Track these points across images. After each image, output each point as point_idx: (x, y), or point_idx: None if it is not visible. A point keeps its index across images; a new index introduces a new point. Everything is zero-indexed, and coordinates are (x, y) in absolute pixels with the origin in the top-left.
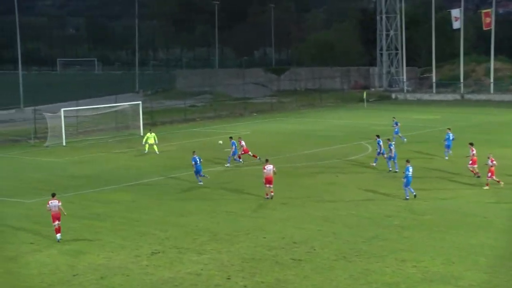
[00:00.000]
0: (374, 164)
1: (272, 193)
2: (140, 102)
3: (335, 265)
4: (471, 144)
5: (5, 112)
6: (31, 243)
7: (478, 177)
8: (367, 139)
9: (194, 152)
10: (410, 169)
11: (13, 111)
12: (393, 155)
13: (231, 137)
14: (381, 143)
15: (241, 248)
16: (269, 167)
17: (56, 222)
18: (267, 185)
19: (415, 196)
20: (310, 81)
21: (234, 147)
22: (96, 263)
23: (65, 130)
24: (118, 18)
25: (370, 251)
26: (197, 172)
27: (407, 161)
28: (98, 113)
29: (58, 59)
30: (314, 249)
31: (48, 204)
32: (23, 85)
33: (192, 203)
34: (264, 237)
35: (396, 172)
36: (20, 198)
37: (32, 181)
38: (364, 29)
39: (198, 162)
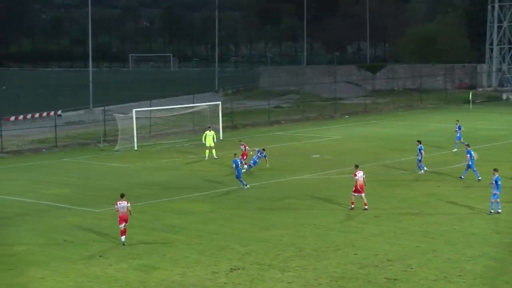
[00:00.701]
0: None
1: (366, 206)
2: (219, 102)
3: (434, 286)
4: None
5: (74, 113)
6: (100, 256)
7: None
8: (472, 145)
9: (235, 154)
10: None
11: (82, 111)
12: (470, 162)
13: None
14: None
15: (329, 266)
16: (360, 174)
17: (123, 224)
18: (356, 194)
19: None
20: (409, 80)
21: None
22: (170, 279)
23: (136, 133)
24: (196, 9)
25: (475, 271)
26: (238, 176)
27: (495, 170)
28: (174, 114)
29: (130, 55)
30: (411, 268)
31: (116, 205)
32: (93, 83)
33: (275, 215)
34: (355, 254)
35: (479, 180)
36: (89, 207)
37: (101, 188)
38: (471, 21)
39: (240, 166)
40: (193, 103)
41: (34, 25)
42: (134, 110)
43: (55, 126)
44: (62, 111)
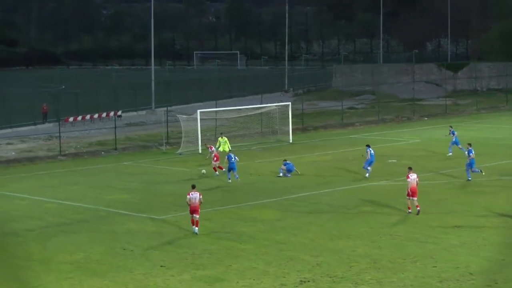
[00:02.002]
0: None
1: (418, 208)
2: (289, 103)
3: None
4: None
5: (135, 113)
6: (161, 266)
7: None
8: None
9: (230, 150)
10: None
11: (143, 112)
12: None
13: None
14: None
15: (406, 279)
16: (413, 176)
17: (194, 215)
18: (410, 198)
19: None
20: (494, 80)
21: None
22: None
23: (201, 135)
24: (265, 4)
25: None
26: (231, 169)
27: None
28: (241, 115)
29: (195, 52)
30: (496, 283)
31: (188, 195)
32: (155, 82)
33: (349, 224)
34: (434, 266)
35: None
36: (150, 214)
37: (163, 194)
38: None
39: (233, 160)
40: (261, 104)
41: (94, 21)
42: (198, 111)
43: (115, 127)
44: (123, 112)
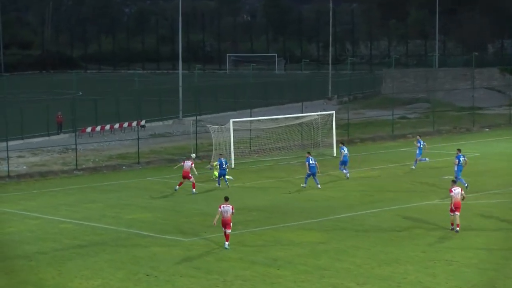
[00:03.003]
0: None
1: (458, 228)
2: (333, 112)
3: None
4: None
5: (160, 123)
6: None
7: None
8: None
9: (221, 154)
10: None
11: (169, 122)
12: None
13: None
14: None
15: None
16: (457, 190)
17: (226, 230)
18: (454, 213)
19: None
20: None
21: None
22: None
23: (234, 148)
24: (307, 1)
25: None
26: (221, 175)
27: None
28: (279, 125)
29: (227, 55)
30: None
31: (220, 207)
32: (183, 88)
33: (399, 248)
34: None
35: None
36: (177, 236)
37: (191, 213)
38: None
39: (224, 166)
40: (302, 113)
41: (115, 21)
42: (231, 121)
43: (138, 139)
44: (146, 122)
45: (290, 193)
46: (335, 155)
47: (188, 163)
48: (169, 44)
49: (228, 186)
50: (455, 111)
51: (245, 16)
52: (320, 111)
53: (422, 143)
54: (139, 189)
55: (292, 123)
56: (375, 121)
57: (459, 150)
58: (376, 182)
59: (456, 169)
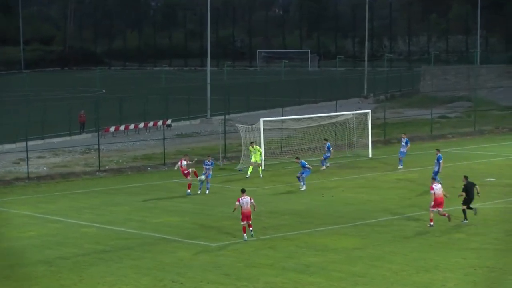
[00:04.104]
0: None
1: (447, 214)
2: (369, 110)
3: None
4: None
5: (187, 123)
6: None
7: None
8: None
9: (209, 156)
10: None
11: (197, 121)
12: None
13: None
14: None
15: None
16: (438, 187)
17: (245, 222)
18: (436, 209)
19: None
20: None
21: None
22: None
23: (265, 149)
24: None
25: None
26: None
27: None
28: (311, 125)
29: (258, 51)
30: None
31: (238, 201)
32: (212, 86)
33: (438, 254)
34: None
35: None
36: (204, 240)
37: (219, 217)
38: None
39: (207, 165)
40: (336, 112)
41: (141, 15)
42: (261, 120)
43: (164, 139)
44: (173, 121)
45: (323, 196)
46: (370, 156)
47: (184, 162)
48: (198, 40)
49: (207, 193)
50: (498, 110)
51: (277, 10)
52: (355, 110)
53: (406, 141)
54: (165, 192)
55: (325, 122)
56: (414, 120)
57: (438, 150)
58: (414, 185)
59: (435, 169)
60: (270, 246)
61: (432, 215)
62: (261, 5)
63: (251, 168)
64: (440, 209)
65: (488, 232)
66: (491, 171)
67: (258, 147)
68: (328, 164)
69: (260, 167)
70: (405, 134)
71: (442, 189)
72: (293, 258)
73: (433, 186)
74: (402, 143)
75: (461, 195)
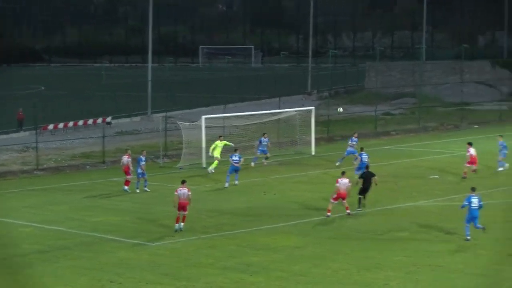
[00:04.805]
0: None
1: (348, 210)
2: (313, 107)
3: None
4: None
5: (127, 120)
6: None
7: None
8: None
9: (143, 151)
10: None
11: (137, 118)
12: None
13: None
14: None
15: None
16: (344, 181)
17: (181, 212)
18: (339, 201)
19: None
20: None
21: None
22: None
23: (206, 147)
24: None
25: None
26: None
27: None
28: (254, 122)
29: (201, 47)
30: None
31: (177, 192)
32: (153, 83)
33: (380, 252)
34: None
35: None
36: (144, 240)
37: (159, 216)
38: None
39: (142, 162)
40: (279, 109)
41: (82, 11)
42: (203, 117)
43: (103, 136)
44: (113, 118)
45: (265, 194)
46: (313, 153)
47: (125, 158)
48: (139, 36)
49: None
50: (443, 107)
51: (220, 6)
52: (299, 107)
53: (355, 141)
54: (105, 190)
55: (268, 119)
56: (358, 117)
57: (362, 148)
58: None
59: (359, 166)
60: (211, 245)
61: (331, 206)
62: (204, 1)
63: (216, 162)
64: (344, 201)
65: (430, 230)
66: (435, 168)
67: (226, 142)
68: (265, 162)
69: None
70: (356, 134)
71: (348, 185)
72: (234, 257)
73: (339, 180)
74: (353, 142)
75: (357, 183)
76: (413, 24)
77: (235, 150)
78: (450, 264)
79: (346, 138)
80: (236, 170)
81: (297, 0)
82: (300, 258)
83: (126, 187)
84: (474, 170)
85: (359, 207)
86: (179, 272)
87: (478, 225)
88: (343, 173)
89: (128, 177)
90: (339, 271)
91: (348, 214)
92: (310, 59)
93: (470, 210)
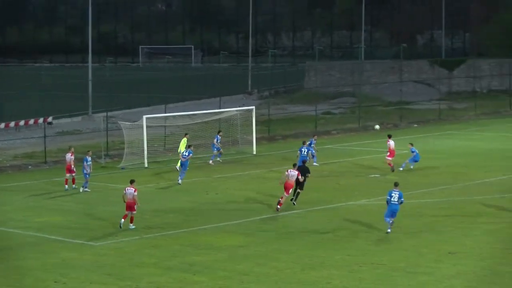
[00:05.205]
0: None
1: (280, 206)
2: (253, 107)
3: None
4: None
5: (68, 120)
6: None
7: (393, 171)
8: None
9: (88, 151)
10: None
11: (79, 118)
12: None
13: None
14: None
15: None
16: (293, 173)
17: (128, 212)
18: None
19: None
20: (496, 79)
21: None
22: None
23: (147, 146)
24: None
25: None
26: (88, 175)
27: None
28: (195, 122)
29: (141, 47)
30: None
31: (125, 191)
32: (93, 82)
33: (323, 251)
34: None
35: None
36: (88, 240)
37: (102, 216)
38: None
39: (88, 162)
40: (220, 108)
41: (21, 10)
42: (144, 117)
43: (45, 136)
44: (54, 118)
45: (207, 194)
46: (254, 153)
47: (68, 156)
48: (79, 36)
49: (80, 191)
50: (383, 106)
51: (160, 6)
52: (240, 107)
53: (314, 142)
54: (47, 190)
55: (209, 119)
56: (298, 117)
57: (304, 142)
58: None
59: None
60: (154, 245)
61: (283, 199)
62: (143, 0)
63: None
64: (287, 195)
65: (372, 229)
66: (376, 167)
67: (185, 139)
68: (219, 159)
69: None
70: (315, 136)
71: (295, 177)
72: (177, 257)
73: (289, 171)
74: (312, 144)
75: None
76: (352, 24)
77: (189, 147)
78: (392, 263)
79: (286, 137)
80: (182, 164)
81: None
82: (244, 257)
83: (66, 186)
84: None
85: (293, 199)
86: (122, 272)
87: (388, 219)
88: (294, 165)
89: (69, 174)
90: (283, 270)
91: (277, 210)
92: (250, 58)
93: (390, 204)
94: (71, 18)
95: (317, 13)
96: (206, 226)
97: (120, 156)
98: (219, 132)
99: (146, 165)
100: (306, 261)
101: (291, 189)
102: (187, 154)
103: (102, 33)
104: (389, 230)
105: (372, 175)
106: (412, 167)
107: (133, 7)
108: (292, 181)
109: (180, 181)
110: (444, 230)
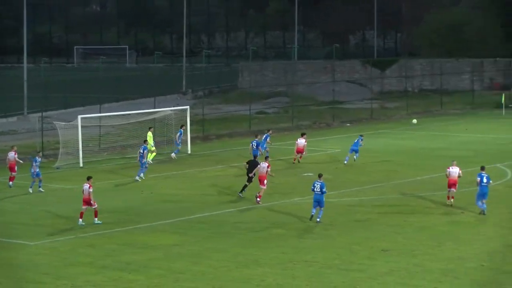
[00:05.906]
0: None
1: (259, 199)
2: (188, 107)
3: None
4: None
5: (3, 120)
6: None
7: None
8: (506, 160)
9: (38, 152)
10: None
11: (14, 119)
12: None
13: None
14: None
15: None
16: (264, 165)
17: (85, 207)
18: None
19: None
20: (428, 79)
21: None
22: None
23: (82, 146)
24: None
25: None
26: (37, 175)
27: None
28: (130, 122)
29: (75, 47)
30: None
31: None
32: (28, 83)
33: (257, 249)
34: None
35: None
36: (22, 239)
37: (37, 216)
38: (507, 5)
39: (35, 164)
40: (155, 108)
41: None
42: (79, 117)
43: None
44: None
45: (142, 193)
46: (189, 152)
47: (11, 154)
48: (14, 36)
49: (42, 191)
50: (316, 106)
51: (94, 6)
52: (174, 106)
53: (268, 137)
54: None
55: (143, 119)
56: (232, 116)
57: (256, 135)
58: (233, 181)
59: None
60: (89, 244)
61: (261, 192)
62: (78, 1)
63: (154, 154)
64: (262, 187)
65: (305, 226)
66: (309, 166)
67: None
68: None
69: (150, 154)
70: (269, 131)
71: (266, 170)
72: (113, 256)
73: (262, 164)
74: (267, 139)
75: (245, 167)
76: (285, 24)
77: (144, 142)
78: (326, 260)
79: (221, 137)
80: (140, 161)
81: (171, 0)
82: (179, 256)
83: (10, 183)
84: (297, 159)
85: (241, 191)
86: (58, 271)
87: (314, 210)
88: (266, 158)
89: (13, 173)
90: (218, 268)
91: (258, 202)
92: (184, 59)
93: (315, 194)
94: (5, 18)
95: (250, 14)
96: (141, 226)
97: (56, 156)
98: (182, 126)
99: (81, 164)
100: (240, 259)
101: (265, 180)
102: (141, 151)
103: (37, 34)
104: (318, 220)
105: (306, 174)
106: (355, 157)
107: (68, 8)
108: (264, 173)
109: (138, 178)
110: (377, 227)
